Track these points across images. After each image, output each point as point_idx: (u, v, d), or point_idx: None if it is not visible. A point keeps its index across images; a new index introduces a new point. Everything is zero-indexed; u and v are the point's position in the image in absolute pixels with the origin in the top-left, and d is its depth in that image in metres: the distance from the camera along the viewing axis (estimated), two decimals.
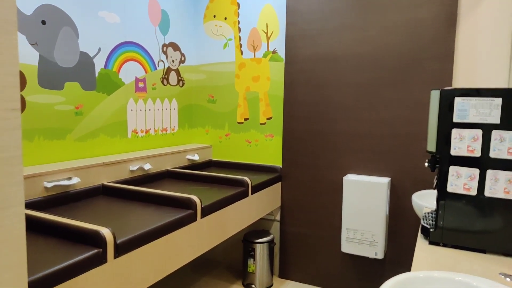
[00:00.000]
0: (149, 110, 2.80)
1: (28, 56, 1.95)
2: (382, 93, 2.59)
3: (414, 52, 2.48)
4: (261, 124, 3.09)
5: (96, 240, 1.43)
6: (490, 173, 1.28)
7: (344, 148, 2.73)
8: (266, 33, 3.00)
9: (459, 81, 2.37)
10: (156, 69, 2.85)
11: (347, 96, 2.70)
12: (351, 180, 2.56)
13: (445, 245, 1.37)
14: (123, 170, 2.37)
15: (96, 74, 2.34)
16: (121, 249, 1.51)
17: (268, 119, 3.06)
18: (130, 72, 2.59)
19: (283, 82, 2.94)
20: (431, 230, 1.39)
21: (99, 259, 1.41)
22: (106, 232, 1.44)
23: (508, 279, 0.84)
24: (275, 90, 3.01)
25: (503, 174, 1.26)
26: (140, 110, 2.71)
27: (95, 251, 1.40)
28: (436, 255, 1.28)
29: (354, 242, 2.58)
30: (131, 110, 2.63)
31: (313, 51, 2.78)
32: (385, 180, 2.51)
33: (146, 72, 2.75)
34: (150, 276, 1.67)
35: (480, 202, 1.30)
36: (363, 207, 2.53)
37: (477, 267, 1.19)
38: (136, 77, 2.65)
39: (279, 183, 2.97)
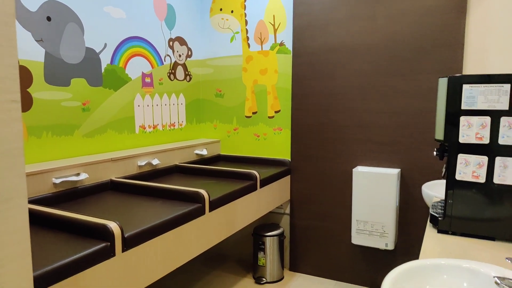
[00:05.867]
0: (157, 105, 2.81)
1: (34, 53, 1.96)
2: (391, 83, 2.55)
3: (423, 40, 2.43)
4: (269, 117, 3.08)
5: (104, 234, 1.44)
6: (499, 160, 1.25)
7: (353, 139, 2.71)
8: (273, 25, 2.98)
9: (470, 69, 2.32)
10: (162, 64, 2.85)
11: (356, 87, 2.66)
12: (360, 172, 2.54)
13: (453, 234, 1.34)
14: (131, 166, 2.39)
15: (103, 70, 2.36)
16: (129, 242, 1.52)
17: (276, 112, 3.05)
18: (136, 68, 2.60)
19: (291, 75, 2.92)
20: (440, 218, 1.36)
21: (107, 253, 1.42)
22: (113, 226, 1.45)
23: None
24: (283, 83, 2.99)
25: (511, 161, 1.23)
26: (148, 106, 2.72)
27: (103, 245, 1.41)
28: (444, 243, 1.26)
29: (364, 233, 2.56)
30: (138, 106, 2.64)
31: (320, 42, 2.74)
32: (395, 171, 2.48)
33: (152, 67, 2.75)
34: (158, 269, 1.68)
35: (489, 190, 1.27)
36: (373, 198, 2.51)
37: (485, 254, 1.16)
38: (142, 72, 2.66)
39: (288, 177, 2.96)
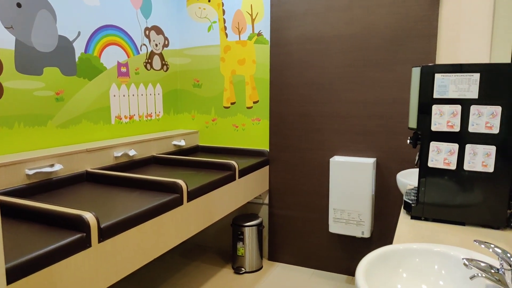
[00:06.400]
0: (133, 95, 2.77)
1: (4, 40, 1.89)
2: (368, 74, 2.58)
3: (398, 31, 2.47)
4: (248, 108, 3.08)
5: (80, 224, 1.42)
6: (468, 147, 1.29)
7: (330, 130, 2.74)
8: (251, 15, 2.96)
9: (442, 59, 2.38)
10: (138, 53, 2.80)
11: (333, 78, 2.69)
12: (337, 162, 2.58)
13: (426, 219, 1.39)
14: (107, 157, 2.35)
15: (76, 59, 2.30)
16: (106, 233, 1.50)
17: (254, 102, 3.05)
18: (111, 57, 2.55)
19: (269, 65, 2.92)
20: (413, 205, 1.40)
21: (83, 244, 1.40)
22: (89, 216, 1.43)
23: (482, 246, 0.86)
24: (261, 73, 2.99)
25: (481, 148, 1.27)
26: (124, 96, 2.68)
27: (79, 235, 1.39)
28: (417, 229, 1.30)
29: (341, 222, 2.61)
30: (114, 96, 2.59)
31: (298, 33, 2.75)
32: (371, 161, 2.53)
33: (128, 57, 2.70)
34: (136, 260, 1.67)
35: (459, 176, 1.32)
36: (349, 187, 2.55)
37: (455, 238, 1.21)
38: (118, 62, 2.61)
39: (267, 167, 2.97)
